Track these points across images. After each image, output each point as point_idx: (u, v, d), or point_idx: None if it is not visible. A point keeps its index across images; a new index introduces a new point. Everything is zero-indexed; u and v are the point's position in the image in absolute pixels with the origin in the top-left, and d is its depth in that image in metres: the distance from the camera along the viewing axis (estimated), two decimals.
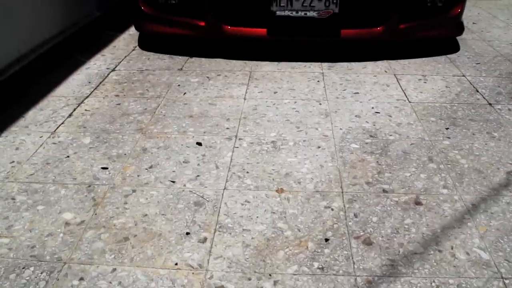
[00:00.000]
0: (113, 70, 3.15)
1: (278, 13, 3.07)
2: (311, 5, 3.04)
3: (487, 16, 4.52)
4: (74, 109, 2.62)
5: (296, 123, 2.48)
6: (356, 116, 2.56)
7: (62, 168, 2.09)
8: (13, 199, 1.89)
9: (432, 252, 1.64)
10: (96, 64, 3.25)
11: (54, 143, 2.28)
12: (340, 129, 2.43)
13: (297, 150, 2.24)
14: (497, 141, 2.34)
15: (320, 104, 2.69)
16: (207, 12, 3.16)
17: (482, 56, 3.46)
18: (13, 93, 2.72)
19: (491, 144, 2.31)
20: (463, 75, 3.11)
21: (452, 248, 1.65)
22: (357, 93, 2.83)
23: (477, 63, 3.32)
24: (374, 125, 2.47)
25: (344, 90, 2.87)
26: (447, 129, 2.44)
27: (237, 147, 2.25)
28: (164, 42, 3.53)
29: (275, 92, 2.83)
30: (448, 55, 3.45)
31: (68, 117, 2.54)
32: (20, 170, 2.07)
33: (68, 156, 2.18)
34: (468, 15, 4.43)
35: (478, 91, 2.88)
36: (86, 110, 2.61)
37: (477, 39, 3.82)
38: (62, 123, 2.48)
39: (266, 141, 2.30)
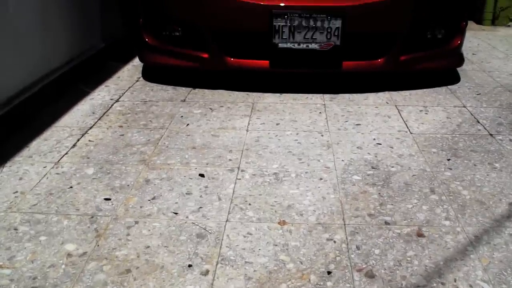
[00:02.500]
0: (117, 101, 3.19)
1: (280, 45, 3.11)
2: (313, 37, 3.09)
3: (487, 47, 4.57)
4: (78, 140, 2.64)
5: (298, 155, 2.49)
6: (358, 147, 2.58)
7: (65, 198, 2.10)
8: (15, 229, 1.89)
9: (435, 284, 1.63)
10: (100, 95, 3.28)
11: (57, 174, 2.30)
12: (342, 160, 2.44)
13: (299, 182, 2.24)
14: (499, 172, 2.34)
15: (322, 135, 2.71)
16: (210, 44, 3.20)
17: (482, 87, 3.48)
18: (18, 123, 2.75)
19: (493, 175, 2.31)
20: (464, 106, 3.13)
21: (455, 281, 1.65)
22: (359, 124, 2.85)
23: (477, 94, 3.34)
24: (375, 156, 2.48)
25: (346, 121, 2.89)
26: (448, 160, 2.45)
27: (240, 179, 2.26)
28: (167, 73, 3.57)
29: (277, 124, 2.85)
30: (449, 86, 3.48)
31: (72, 147, 2.56)
32: (23, 201, 2.08)
33: (71, 187, 2.19)
34: (468, 46, 4.48)
35: (479, 122, 2.89)
36: (90, 140, 2.63)
37: (477, 70, 3.86)
38: (66, 153, 2.49)
39: (268, 173, 2.31)
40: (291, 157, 2.46)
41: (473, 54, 4.32)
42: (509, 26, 5.53)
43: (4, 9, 2.67)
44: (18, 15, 2.79)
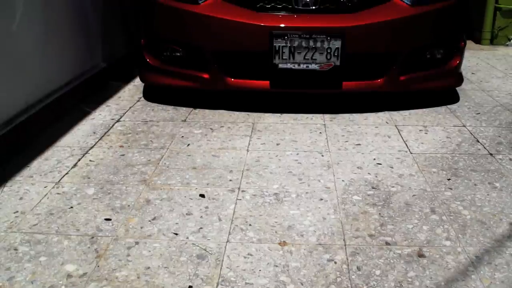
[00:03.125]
0: (118, 120, 3.20)
1: (280, 65, 3.13)
2: (313, 58, 3.11)
3: (486, 66, 4.59)
4: (79, 160, 2.65)
5: (298, 175, 2.49)
6: (358, 167, 2.58)
7: (65, 218, 2.10)
8: (15, 249, 1.89)
9: None
10: (101, 115, 3.29)
11: (58, 194, 2.30)
12: (343, 181, 2.44)
13: (300, 202, 2.24)
14: (499, 191, 2.35)
15: (322, 155, 2.71)
16: (211, 64, 3.22)
17: (482, 106, 3.50)
18: (19, 142, 2.76)
19: (493, 194, 2.32)
20: (464, 125, 3.14)
21: None
22: (359, 144, 2.86)
23: (477, 113, 3.36)
24: (376, 176, 2.49)
25: (346, 141, 2.90)
26: (448, 180, 2.45)
27: (240, 199, 2.26)
28: (168, 93, 3.58)
29: (277, 144, 2.85)
30: (448, 106, 3.50)
31: (72, 167, 2.56)
32: (24, 220, 2.08)
33: (71, 207, 2.19)
34: (467, 66, 4.50)
35: (478, 141, 2.90)
36: (90, 160, 2.64)
37: (477, 89, 3.88)
38: (67, 173, 2.50)
39: (268, 193, 2.32)
40: (292, 178, 2.47)
41: (472, 73, 4.34)
42: (507, 45, 5.56)
43: (6, 29, 2.70)
44: (20, 36, 2.81)
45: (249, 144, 2.86)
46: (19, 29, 2.80)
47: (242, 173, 2.51)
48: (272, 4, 3.15)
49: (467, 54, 4.19)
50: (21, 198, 2.26)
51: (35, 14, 2.97)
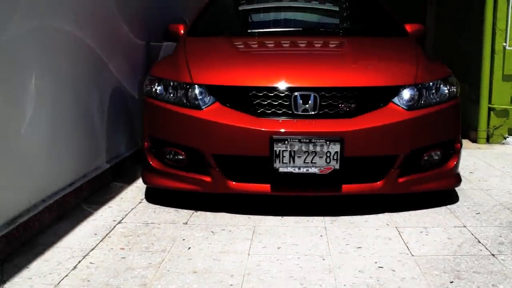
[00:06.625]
0: (120, 222, 3.21)
1: (281, 169, 3.19)
2: (313, 161, 3.18)
3: (483, 165, 4.67)
4: (79, 261, 2.64)
5: (299, 280, 2.47)
6: (359, 271, 2.56)
7: None
8: None
9: None
10: (103, 216, 3.31)
11: None
12: (344, 285, 2.42)
13: None
14: None
15: (324, 259, 2.70)
16: (213, 168, 3.29)
17: (481, 206, 3.52)
18: (20, 242, 2.77)
19: None
20: (464, 226, 3.15)
21: None
22: (360, 247, 2.85)
23: (477, 213, 3.38)
24: (378, 280, 2.47)
25: (347, 244, 2.89)
26: (451, 282, 2.43)
27: None
28: (170, 195, 3.61)
29: (278, 248, 2.85)
30: (448, 206, 3.52)
31: (72, 269, 2.55)
32: None
33: None
34: (465, 165, 4.56)
35: (480, 242, 2.90)
36: (91, 263, 2.63)
37: (475, 189, 3.92)
38: (66, 275, 2.49)
39: None
40: (293, 282, 2.44)
41: (471, 172, 4.40)
42: (503, 143, 5.67)
43: (14, 131, 2.79)
44: (27, 137, 2.90)
45: (250, 247, 2.85)
46: (26, 131, 2.89)
47: (243, 278, 2.49)
48: (273, 110, 3.26)
49: (464, 153, 4.26)
50: None
51: (43, 116, 3.08)
